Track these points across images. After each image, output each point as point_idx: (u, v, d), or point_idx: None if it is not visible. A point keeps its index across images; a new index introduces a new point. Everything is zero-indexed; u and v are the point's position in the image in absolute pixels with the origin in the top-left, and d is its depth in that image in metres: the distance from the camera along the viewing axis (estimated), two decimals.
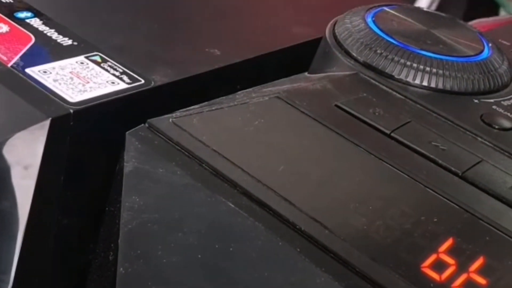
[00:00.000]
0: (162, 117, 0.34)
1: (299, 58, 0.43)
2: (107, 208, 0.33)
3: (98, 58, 0.39)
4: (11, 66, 0.36)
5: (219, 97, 0.37)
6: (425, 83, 0.36)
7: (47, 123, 0.34)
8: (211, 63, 0.41)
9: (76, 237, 0.38)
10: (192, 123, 0.33)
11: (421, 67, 0.36)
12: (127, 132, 0.33)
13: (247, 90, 0.37)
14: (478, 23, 0.52)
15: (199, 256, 0.30)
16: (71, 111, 0.34)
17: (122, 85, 0.37)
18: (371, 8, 0.40)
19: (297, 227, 0.29)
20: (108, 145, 0.36)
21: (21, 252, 0.35)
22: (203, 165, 0.31)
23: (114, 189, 0.33)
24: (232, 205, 0.30)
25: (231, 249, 0.29)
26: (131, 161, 0.32)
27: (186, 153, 0.32)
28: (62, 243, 0.37)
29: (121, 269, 0.31)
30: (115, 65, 0.38)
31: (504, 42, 0.45)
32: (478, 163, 0.32)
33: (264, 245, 0.29)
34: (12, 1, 0.42)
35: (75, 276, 0.38)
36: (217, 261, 0.30)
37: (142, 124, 0.33)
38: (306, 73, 0.40)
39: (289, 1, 0.52)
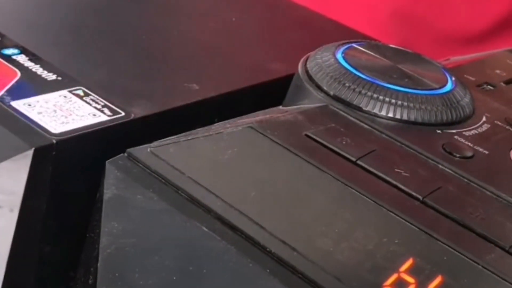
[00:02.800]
0: (141, 146, 0.35)
1: (274, 93, 0.45)
2: (87, 235, 0.35)
3: (80, 92, 0.40)
4: None
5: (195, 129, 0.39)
6: (390, 115, 0.38)
7: (30, 152, 0.35)
8: (189, 97, 0.43)
9: (57, 265, 0.39)
10: (169, 152, 0.35)
11: (387, 99, 0.38)
12: (107, 161, 0.34)
13: (223, 122, 0.39)
14: (454, 61, 0.54)
15: (174, 278, 0.31)
16: (54, 141, 0.36)
17: (103, 117, 0.39)
18: (341, 44, 0.43)
19: (267, 249, 0.30)
20: (89, 174, 0.37)
21: (4, 280, 0.36)
22: (179, 191, 0.33)
23: (94, 215, 0.34)
24: (206, 229, 0.31)
25: (204, 271, 0.31)
26: (111, 188, 0.34)
27: (163, 181, 0.33)
28: (44, 271, 0.38)
29: None
30: (97, 98, 0.40)
31: (470, 78, 0.47)
32: (438, 188, 0.34)
33: (236, 266, 0.30)
34: (0, 38, 0.43)
35: None
36: (192, 282, 0.31)
37: (122, 154, 0.35)
38: (280, 106, 0.42)
39: (265, 39, 0.54)
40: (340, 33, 0.58)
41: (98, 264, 0.32)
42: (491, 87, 0.46)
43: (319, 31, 0.58)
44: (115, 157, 0.35)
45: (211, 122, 0.40)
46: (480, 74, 0.47)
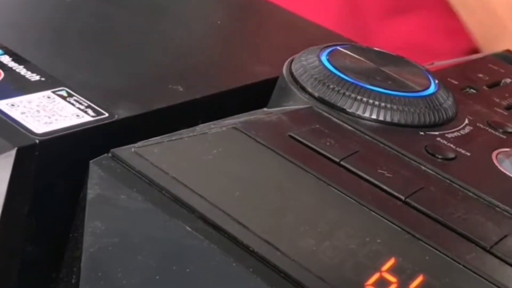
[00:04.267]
0: (125, 147, 0.35)
1: (259, 95, 0.45)
2: (70, 234, 0.35)
3: (64, 93, 0.40)
4: None
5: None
6: (374, 116, 0.38)
7: (13, 152, 0.35)
8: (174, 98, 0.43)
9: (39, 266, 0.39)
10: (153, 152, 0.35)
11: (371, 101, 0.39)
12: (90, 161, 0.34)
13: (207, 123, 0.39)
14: (438, 65, 0.55)
15: (157, 277, 0.31)
16: (37, 141, 0.36)
17: (86, 118, 0.38)
18: (325, 47, 0.43)
19: (250, 248, 0.30)
20: (72, 174, 0.37)
21: None
22: (163, 191, 0.33)
23: (77, 215, 0.34)
24: (189, 229, 0.31)
25: (187, 270, 0.31)
26: (94, 188, 0.34)
27: (147, 181, 0.33)
28: (26, 271, 0.38)
29: None
30: (81, 99, 0.40)
31: (453, 81, 0.47)
32: (420, 189, 0.34)
33: (219, 265, 0.30)
34: None
35: None
36: (175, 282, 0.31)
37: (106, 154, 0.35)
38: (265, 108, 0.42)
39: (250, 42, 0.54)
40: (324, 37, 0.59)
41: (82, 264, 0.32)
42: (474, 91, 0.47)
43: (303, 34, 0.58)
44: (99, 157, 0.35)
45: (196, 124, 0.40)
46: (463, 78, 0.48)
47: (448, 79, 0.47)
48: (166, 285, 0.31)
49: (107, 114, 0.39)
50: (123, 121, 0.39)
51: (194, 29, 0.53)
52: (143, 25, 0.52)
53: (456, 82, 0.47)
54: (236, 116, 0.40)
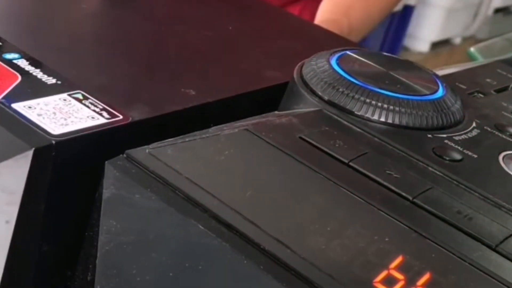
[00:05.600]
0: (139, 148, 0.36)
1: (269, 99, 0.46)
2: (86, 233, 0.35)
3: (80, 96, 0.41)
4: None
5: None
6: (383, 119, 0.39)
7: (30, 153, 0.36)
8: (186, 102, 0.43)
9: (55, 264, 0.40)
10: (167, 153, 0.35)
11: (380, 104, 0.39)
12: (106, 161, 0.35)
13: (220, 125, 0.40)
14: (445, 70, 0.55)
15: (171, 274, 0.32)
16: (53, 142, 0.37)
17: (101, 120, 0.39)
18: (335, 51, 0.44)
19: (261, 246, 0.31)
20: (87, 175, 0.38)
21: (2, 278, 0.37)
22: (176, 191, 0.34)
23: (93, 214, 0.35)
24: (202, 228, 0.32)
25: (200, 267, 0.32)
26: (110, 188, 0.34)
27: (161, 181, 0.34)
28: (42, 269, 0.39)
29: (98, 287, 0.33)
30: (96, 102, 0.41)
31: (461, 86, 0.48)
32: (428, 189, 0.34)
33: (230, 263, 0.31)
34: (1, 43, 0.44)
35: None
36: (188, 279, 0.32)
37: (121, 154, 0.36)
38: (275, 111, 0.43)
39: (260, 47, 0.55)
40: (332, 41, 0.60)
41: (97, 261, 0.33)
42: (482, 95, 0.47)
43: (312, 40, 0.59)
44: (114, 158, 0.35)
45: (207, 127, 0.41)
46: (471, 83, 0.49)
47: (457, 83, 0.47)
48: (179, 282, 0.32)
49: (121, 117, 0.40)
50: (137, 123, 0.40)
51: (206, 34, 0.54)
52: (157, 31, 0.53)
53: (464, 87, 0.47)
54: (248, 118, 0.41)
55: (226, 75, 0.49)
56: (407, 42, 2.19)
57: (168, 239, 0.33)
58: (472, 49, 1.13)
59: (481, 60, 1.09)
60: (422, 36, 2.19)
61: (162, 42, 0.51)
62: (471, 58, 1.13)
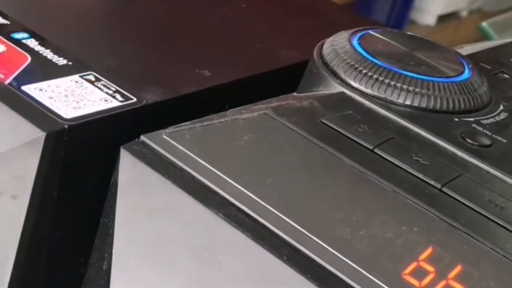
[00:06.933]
0: (155, 132, 0.35)
1: (285, 80, 0.44)
2: (101, 220, 0.34)
3: (92, 77, 0.40)
4: (8, 84, 0.37)
5: (208, 115, 0.38)
6: (408, 102, 0.38)
7: (42, 137, 0.35)
8: (201, 83, 0.42)
9: (68, 250, 0.39)
10: (184, 138, 0.34)
11: (404, 86, 0.38)
12: (121, 146, 0.34)
13: (237, 108, 0.38)
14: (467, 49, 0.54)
15: (190, 265, 0.31)
16: (66, 126, 0.35)
17: (115, 103, 0.38)
18: (356, 31, 0.42)
19: (283, 236, 0.30)
20: (101, 159, 0.37)
21: (15, 264, 0.36)
22: (194, 178, 0.32)
23: (108, 201, 0.34)
24: (221, 216, 0.31)
25: (220, 257, 0.30)
26: (125, 173, 0.33)
27: (178, 167, 0.33)
28: (55, 256, 0.38)
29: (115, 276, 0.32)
30: (108, 84, 0.40)
31: (485, 66, 0.47)
32: (457, 177, 0.33)
33: (251, 254, 0.30)
34: (9, 22, 0.43)
35: None
36: (207, 269, 0.31)
37: (136, 139, 0.35)
38: (294, 93, 0.41)
39: (275, 26, 0.53)
40: (350, 20, 0.58)
41: (113, 250, 0.32)
42: (507, 76, 0.46)
43: (329, 18, 0.57)
44: (130, 142, 0.34)
45: (223, 109, 0.40)
46: (495, 63, 0.47)
47: (480, 63, 0.46)
48: (198, 273, 0.31)
49: (135, 99, 0.39)
50: (152, 106, 0.39)
51: (219, 13, 0.52)
52: (170, 10, 0.51)
53: (488, 67, 0.46)
54: (265, 101, 0.40)
55: (241, 55, 0.48)
56: (414, 15, 2.17)
57: (185, 228, 0.32)
58: (484, 24, 1.11)
59: (493, 35, 1.07)
60: (428, 9, 2.17)
61: (175, 22, 0.50)
62: (483, 32, 1.11)
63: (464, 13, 2.30)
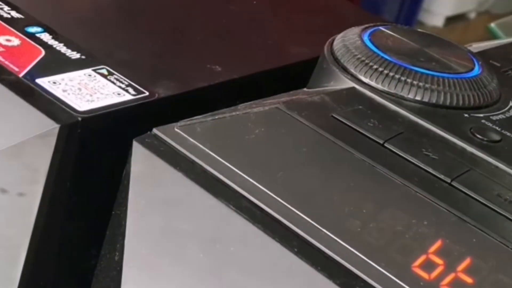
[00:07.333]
0: (168, 125, 0.35)
1: (296, 76, 0.45)
2: (113, 212, 0.35)
3: (104, 71, 0.40)
4: (23, 77, 0.38)
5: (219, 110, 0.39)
6: (418, 98, 0.38)
7: (56, 129, 0.35)
8: (212, 78, 0.43)
9: (79, 241, 0.39)
10: (196, 131, 0.34)
11: (415, 82, 0.38)
12: (134, 139, 0.34)
13: (249, 102, 0.39)
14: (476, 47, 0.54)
15: (201, 255, 0.31)
16: (79, 119, 0.36)
17: (127, 97, 0.39)
18: (367, 27, 0.42)
19: (294, 229, 0.30)
20: (113, 152, 0.37)
21: (27, 256, 0.37)
22: (206, 170, 0.33)
23: (120, 193, 0.34)
24: (233, 209, 0.31)
25: (232, 249, 0.31)
26: (137, 166, 0.34)
27: (190, 159, 0.33)
28: (66, 247, 0.39)
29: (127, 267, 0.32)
30: (121, 78, 0.40)
31: (495, 63, 0.47)
32: (466, 171, 0.33)
33: (263, 246, 0.30)
34: (23, 16, 0.43)
35: (78, 280, 0.39)
36: (218, 260, 0.31)
37: (149, 132, 0.35)
38: (305, 89, 0.42)
39: (286, 22, 0.53)
40: (360, 17, 0.58)
41: (125, 241, 0.32)
42: None
43: (339, 15, 0.58)
44: (142, 135, 0.35)
45: (233, 104, 0.40)
46: (505, 60, 0.47)
47: (490, 60, 0.46)
48: (209, 264, 0.31)
49: (147, 93, 0.39)
50: (163, 100, 0.39)
51: (231, 9, 0.53)
52: (182, 5, 0.51)
53: (498, 64, 0.46)
54: (276, 96, 0.40)
55: (252, 50, 0.48)
56: (422, 16, 2.16)
57: (197, 220, 0.32)
58: (492, 24, 1.11)
59: (502, 36, 1.07)
60: (436, 11, 2.17)
61: (187, 17, 0.50)
62: (491, 33, 1.11)
63: (472, 15, 2.29)
